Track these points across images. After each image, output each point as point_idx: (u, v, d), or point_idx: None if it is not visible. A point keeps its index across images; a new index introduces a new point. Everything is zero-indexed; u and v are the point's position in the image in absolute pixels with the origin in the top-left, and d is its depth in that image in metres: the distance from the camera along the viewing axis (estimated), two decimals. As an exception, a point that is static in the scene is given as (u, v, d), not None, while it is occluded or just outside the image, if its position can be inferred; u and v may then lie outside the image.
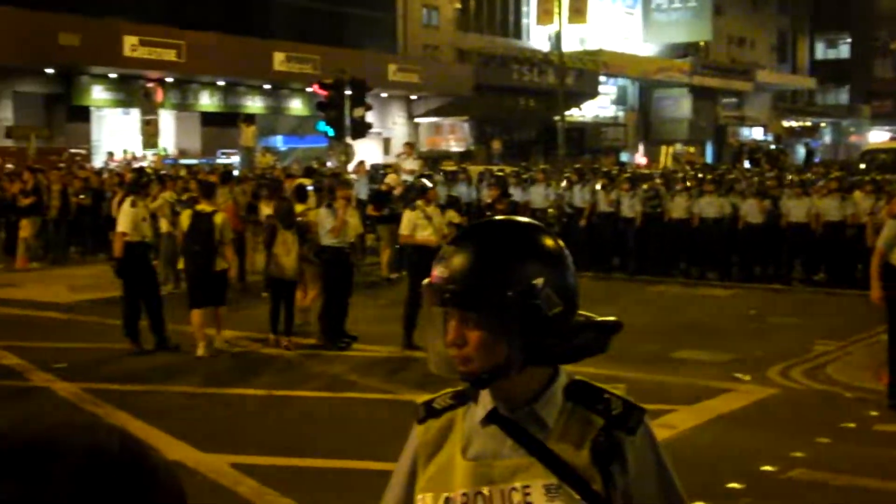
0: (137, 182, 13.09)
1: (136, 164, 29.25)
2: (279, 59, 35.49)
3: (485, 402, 2.16)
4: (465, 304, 2.06)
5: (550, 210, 21.79)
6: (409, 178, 22.31)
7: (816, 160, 44.89)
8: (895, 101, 65.68)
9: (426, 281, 2.14)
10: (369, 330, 13.28)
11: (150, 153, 32.12)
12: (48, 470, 0.99)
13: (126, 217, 12.12)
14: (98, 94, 33.05)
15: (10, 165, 25.99)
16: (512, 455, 2.11)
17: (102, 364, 11.61)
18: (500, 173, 22.37)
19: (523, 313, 2.02)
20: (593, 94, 44.69)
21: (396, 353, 12.24)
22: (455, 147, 39.61)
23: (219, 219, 12.00)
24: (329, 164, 25.35)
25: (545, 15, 41.82)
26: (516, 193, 21.73)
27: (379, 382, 10.72)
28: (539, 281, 2.04)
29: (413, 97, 41.28)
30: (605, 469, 2.06)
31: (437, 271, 2.09)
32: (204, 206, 12.18)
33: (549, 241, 2.13)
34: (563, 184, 22.28)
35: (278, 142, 38.81)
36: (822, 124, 67.43)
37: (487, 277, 2.04)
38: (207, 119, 37.32)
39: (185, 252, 12.32)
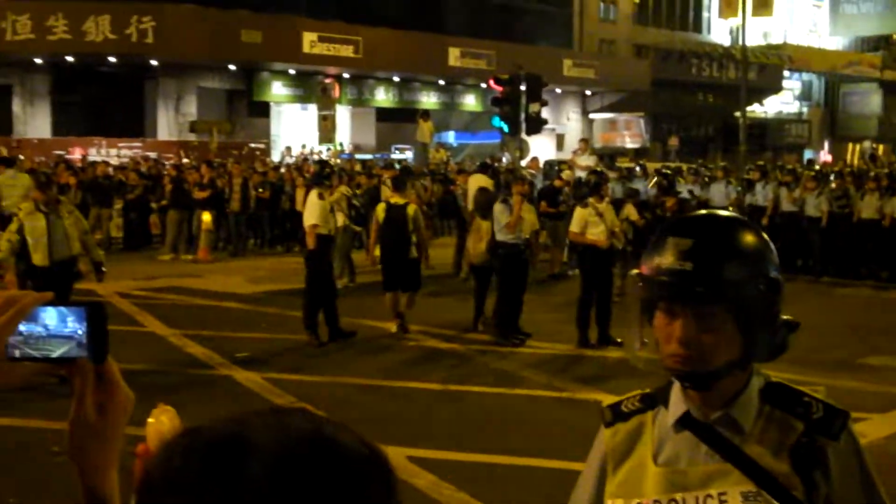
0: (321, 174, 13.25)
1: (312, 158, 29.95)
2: (454, 55, 35.73)
3: (677, 405, 2.11)
4: (716, 299, 1.98)
5: (730, 208, 21.13)
6: (583, 175, 22.03)
7: None
8: None
9: (637, 273, 2.07)
10: (543, 327, 13.12)
11: (326, 148, 32.83)
12: (242, 466, 0.98)
13: (314, 209, 12.32)
14: (277, 89, 34.05)
15: (186, 160, 26.96)
16: (707, 461, 2.05)
17: (282, 354, 11.80)
18: (668, 171, 21.88)
19: (767, 307, 2.00)
20: (776, 89, 43.34)
21: (570, 350, 12.05)
22: (630, 143, 39.05)
23: (411, 210, 12.67)
24: (503, 159, 25.28)
25: (728, 8, 40.56)
26: (695, 191, 21.21)
27: (551, 379, 10.54)
28: (778, 275, 2.03)
29: (588, 92, 40.87)
30: (806, 476, 1.99)
31: (670, 264, 2.00)
32: (397, 199, 12.91)
33: (766, 236, 2.11)
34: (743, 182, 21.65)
35: (450, 137, 39.07)
36: None
37: (742, 270, 1.99)
38: (382, 115, 37.92)
39: (382, 241, 12.83)
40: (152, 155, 27.99)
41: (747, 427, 2.05)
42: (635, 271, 2.10)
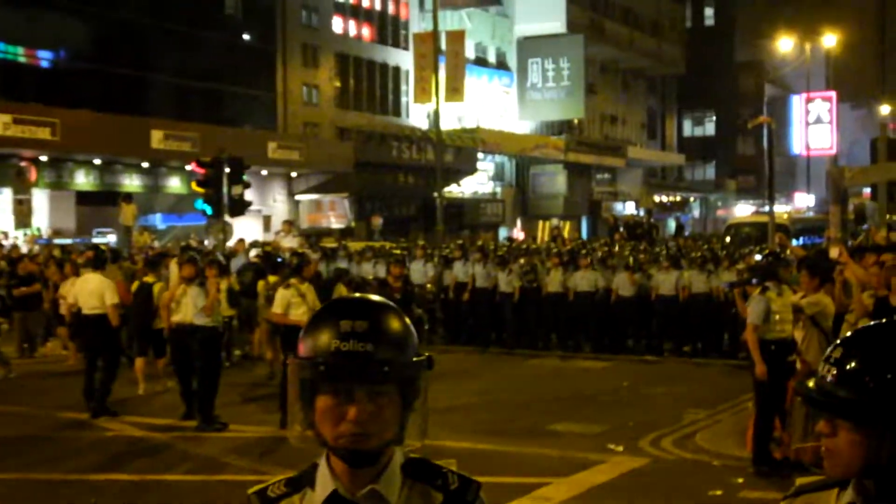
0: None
1: (6, 243, 28.57)
2: (157, 137, 35.20)
3: (324, 485, 2.15)
4: (393, 379, 2.09)
5: (429, 286, 22.03)
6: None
7: (686, 233, 46.37)
8: (758, 177, 68.41)
9: (303, 356, 2.13)
10: (242, 409, 13.17)
11: (22, 233, 31.37)
12: None
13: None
14: (-32, 173, 32.25)
15: None
16: None
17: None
18: (398, 252, 22.49)
19: (425, 385, 2.20)
20: (471, 170, 45.46)
21: (272, 433, 12.14)
22: (336, 224, 39.70)
23: (157, 288, 14.59)
24: (206, 242, 25.15)
25: (423, 94, 42.54)
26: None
27: (255, 464, 10.61)
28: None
29: (293, 174, 41.34)
30: None
31: (349, 346, 2.08)
32: (148, 278, 15.09)
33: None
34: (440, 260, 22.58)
35: (157, 220, 38.32)
36: (691, 199, 69.82)
37: (409, 351, 2.15)
38: (82, 198, 36.64)
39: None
40: None
41: (393, 500, 2.12)
42: (294, 355, 2.15)
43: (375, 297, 2.23)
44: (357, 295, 2.29)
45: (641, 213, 53.48)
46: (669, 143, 70.62)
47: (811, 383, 2.12)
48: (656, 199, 62.01)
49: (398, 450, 2.18)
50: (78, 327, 14.51)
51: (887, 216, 23.81)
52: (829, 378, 2.08)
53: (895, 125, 47.89)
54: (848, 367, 2.06)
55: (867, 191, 30.43)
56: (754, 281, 10.92)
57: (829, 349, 2.14)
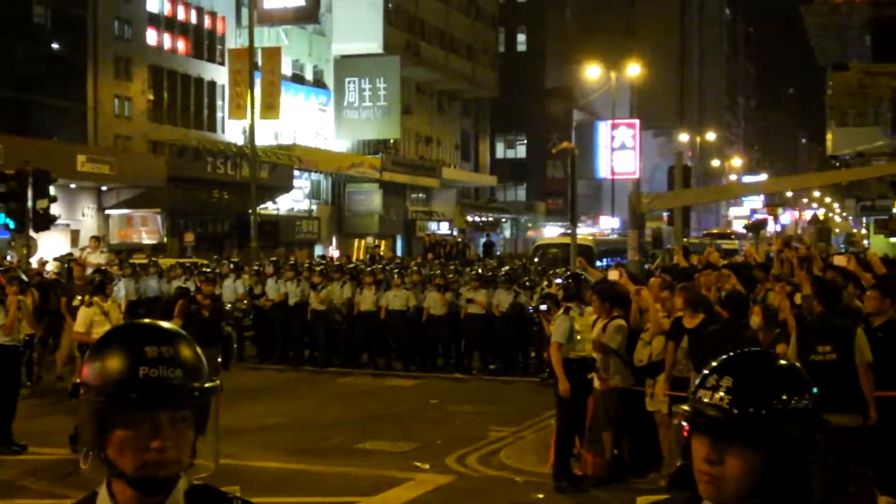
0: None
1: None
2: (-46, 149, 33.61)
3: None
4: (190, 403, 2.12)
5: (240, 303, 21.89)
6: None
7: (497, 253, 47.50)
8: (566, 199, 70.58)
9: (97, 386, 2.09)
10: (42, 430, 12.83)
11: None
12: None
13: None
14: None
15: None
16: None
17: None
18: (215, 269, 22.20)
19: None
20: (287, 187, 45.26)
21: (72, 455, 11.87)
22: (147, 240, 38.80)
23: None
24: (8, 257, 24.22)
25: (238, 109, 42.15)
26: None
27: (52, 487, 10.36)
28: None
29: (104, 188, 40.19)
30: None
31: (158, 373, 2.08)
32: None
33: None
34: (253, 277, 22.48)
35: (-46, 234, 36.54)
36: (503, 219, 71.47)
37: (206, 375, 2.18)
38: None
39: None
40: None
41: None
42: (84, 382, 2.12)
43: (164, 323, 2.23)
44: (146, 320, 2.28)
45: (455, 232, 54.47)
46: (482, 164, 72.09)
47: (687, 407, 2.19)
48: (469, 219, 63.20)
49: (183, 475, 2.16)
50: None
51: (683, 239, 25.18)
52: (722, 403, 2.12)
53: (691, 153, 50.53)
54: (742, 392, 2.12)
55: (666, 214, 32.02)
56: (560, 301, 11.37)
57: (707, 374, 2.20)
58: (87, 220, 39.94)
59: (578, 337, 10.70)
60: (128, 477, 2.08)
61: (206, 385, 2.13)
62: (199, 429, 2.15)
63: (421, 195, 61.26)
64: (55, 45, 40.37)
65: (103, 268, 18.12)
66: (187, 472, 2.14)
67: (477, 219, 64.86)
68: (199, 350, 2.17)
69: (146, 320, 2.28)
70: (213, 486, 2.22)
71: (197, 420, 2.14)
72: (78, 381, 2.14)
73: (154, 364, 2.06)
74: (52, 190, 22.78)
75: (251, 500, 2.27)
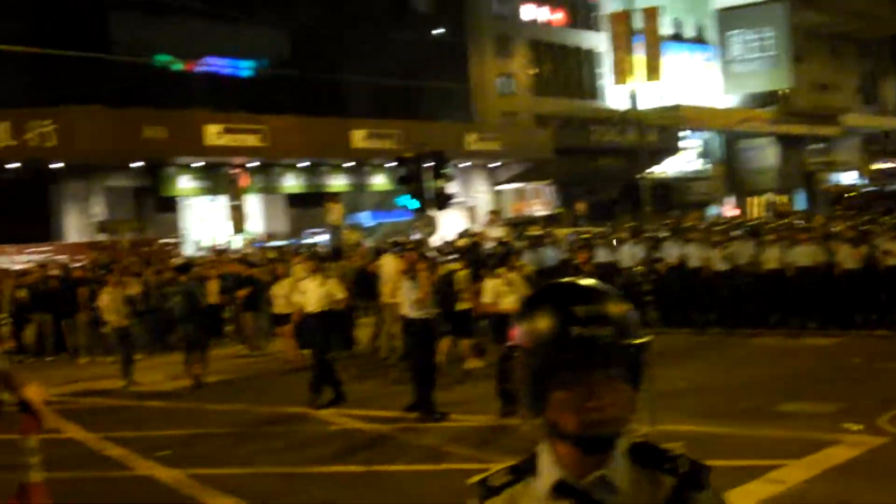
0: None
1: (219, 248, 29.84)
2: (359, 137, 36.04)
3: (548, 473, 2.10)
4: (626, 361, 2.06)
5: (639, 268, 21.54)
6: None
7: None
8: None
9: (535, 342, 2.06)
10: (460, 399, 13.20)
11: (239, 238, 32.70)
12: None
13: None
14: (184, 183, 33.94)
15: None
16: None
17: (204, 449, 11.65)
18: (587, 235, 22.25)
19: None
20: (675, 149, 44.43)
21: (492, 421, 12.08)
22: (540, 211, 39.57)
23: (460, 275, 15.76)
24: (413, 237, 25.48)
25: (620, 75, 41.80)
26: (604, 254, 21.58)
27: (476, 452, 10.55)
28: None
29: (493, 164, 41.46)
30: None
31: (583, 330, 2.02)
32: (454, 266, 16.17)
33: None
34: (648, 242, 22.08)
35: (364, 218, 39.22)
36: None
37: (638, 330, 2.08)
38: (293, 200, 37.98)
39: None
40: (62, 258, 27.52)
41: (622, 487, 2.06)
42: (510, 343, 2.10)
43: (594, 281, 2.16)
44: (574, 280, 2.18)
45: (864, 181, 50.99)
46: (889, 106, 66.82)
47: None
48: (877, 166, 58.71)
49: (624, 433, 2.10)
50: (301, 325, 14.85)
51: None
52: None
53: None
54: None
55: None
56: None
57: None
58: (480, 196, 41.42)
59: None
60: (569, 437, 2.05)
61: (637, 341, 2.06)
62: (635, 386, 2.08)
63: (820, 146, 57.78)
64: (437, 31, 42.12)
65: (505, 240, 18.44)
66: (627, 430, 2.08)
67: (888, 164, 60.06)
68: (630, 307, 2.10)
69: (574, 280, 2.19)
70: (654, 443, 2.15)
71: (631, 377, 2.07)
72: (511, 343, 2.12)
73: (584, 323, 2.02)
74: (447, 170, 23.61)
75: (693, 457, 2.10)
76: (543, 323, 2.05)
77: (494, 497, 2.14)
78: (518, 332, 2.10)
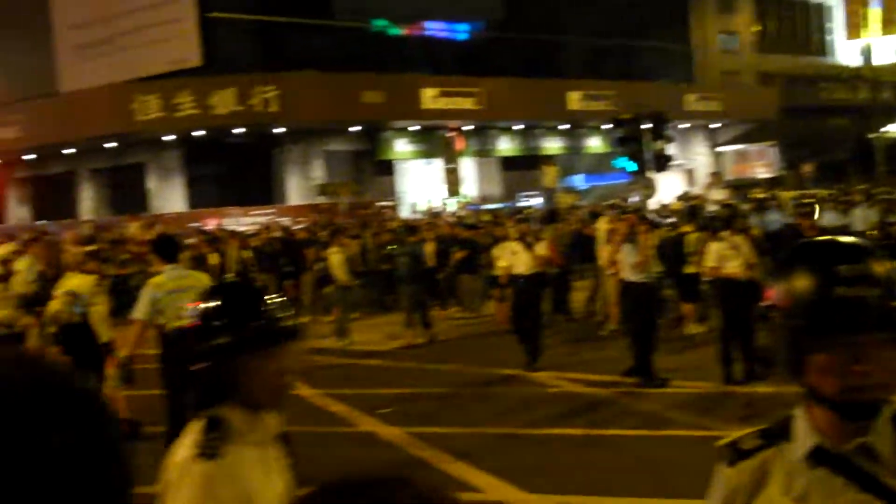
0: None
1: (435, 211, 30.14)
2: (574, 99, 35.64)
3: (805, 438, 2.03)
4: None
5: (872, 233, 20.31)
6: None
7: None
8: None
9: (797, 303, 1.96)
10: (681, 364, 12.80)
11: (454, 201, 32.99)
12: None
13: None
14: (401, 147, 34.51)
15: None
16: (844, 493, 1.97)
17: (423, 408, 11.72)
18: (812, 199, 21.15)
19: None
20: (913, 107, 41.75)
21: (715, 388, 11.65)
22: (763, 174, 38.09)
23: (691, 238, 15.27)
24: (632, 199, 24.92)
25: (854, 29, 39.55)
26: (834, 217, 20.47)
27: (699, 419, 10.17)
28: None
29: (713, 125, 40.17)
30: None
31: (853, 291, 1.92)
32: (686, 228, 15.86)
33: None
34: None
35: (578, 181, 38.85)
36: None
37: None
38: (506, 163, 38.01)
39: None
40: (285, 220, 28.51)
41: (886, 455, 1.97)
42: (767, 305, 2.04)
43: (856, 239, 2.07)
44: (835, 238, 2.08)
45: None
46: None
47: None
48: None
49: (890, 401, 2.02)
50: (508, 288, 14.74)
51: None
52: None
53: None
54: None
55: None
56: None
57: None
58: (700, 158, 40.26)
59: None
60: (829, 401, 1.97)
61: None
62: None
63: None
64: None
65: (730, 203, 17.77)
66: (893, 396, 1.99)
67: None
68: (892, 265, 1.98)
69: (831, 237, 2.08)
70: None
71: None
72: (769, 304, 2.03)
73: (850, 283, 1.92)
74: (667, 131, 22.95)
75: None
76: (804, 283, 1.96)
77: (745, 460, 2.08)
78: (776, 292, 2.02)
